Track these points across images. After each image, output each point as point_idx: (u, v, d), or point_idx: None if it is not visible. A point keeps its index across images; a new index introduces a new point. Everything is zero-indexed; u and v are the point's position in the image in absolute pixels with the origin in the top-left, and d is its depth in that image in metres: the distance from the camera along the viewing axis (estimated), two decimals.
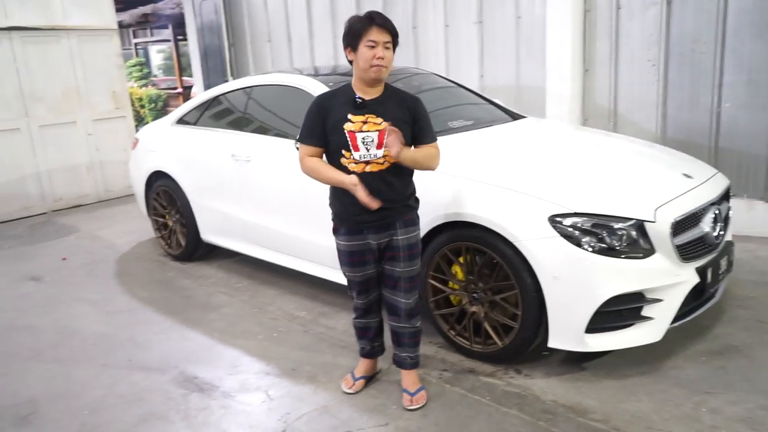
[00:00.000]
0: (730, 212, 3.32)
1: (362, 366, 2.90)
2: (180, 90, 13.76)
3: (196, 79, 9.06)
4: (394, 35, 2.45)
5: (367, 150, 2.43)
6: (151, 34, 17.62)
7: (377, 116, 2.45)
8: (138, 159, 5.13)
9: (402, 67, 4.69)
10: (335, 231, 2.66)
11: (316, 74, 4.13)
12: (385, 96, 2.52)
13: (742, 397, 2.61)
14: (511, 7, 5.53)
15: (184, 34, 12.61)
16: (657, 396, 2.66)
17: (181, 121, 4.86)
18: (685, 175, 3.15)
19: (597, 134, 4.00)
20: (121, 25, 12.00)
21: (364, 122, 2.43)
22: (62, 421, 2.76)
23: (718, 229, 3.04)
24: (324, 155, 2.57)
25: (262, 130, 4.15)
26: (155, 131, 5.10)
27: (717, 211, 3.06)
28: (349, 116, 2.45)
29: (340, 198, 2.56)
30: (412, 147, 2.55)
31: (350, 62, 2.51)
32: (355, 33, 2.43)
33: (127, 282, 4.49)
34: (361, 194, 2.39)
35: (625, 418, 2.52)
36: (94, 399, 2.92)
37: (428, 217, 2.97)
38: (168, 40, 15.47)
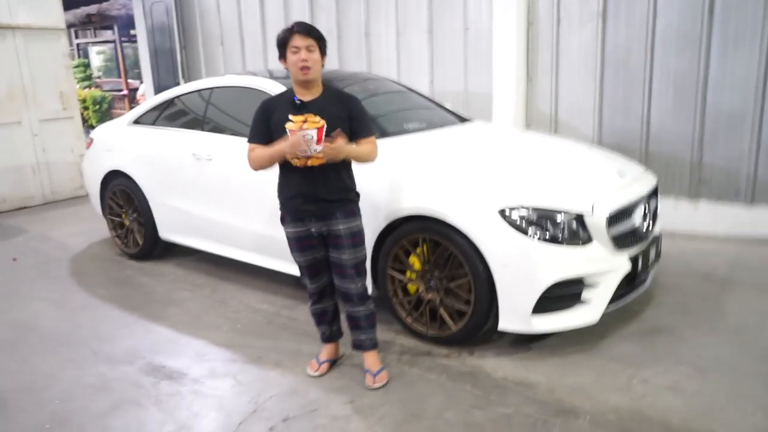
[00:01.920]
0: (658, 208, 3.68)
1: (326, 350, 3.08)
2: (125, 92, 13.52)
3: (146, 80, 8.99)
4: (317, 38, 2.71)
5: (308, 146, 2.61)
6: (95, 35, 17.21)
7: (316, 115, 2.63)
8: (93, 159, 5.12)
9: (356, 72, 4.90)
10: (282, 220, 2.89)
11: (272, 76, 4.27)
12: (323, 97, 2.77)
13: (668, 368, 2.93)
14: (459, 18, 5.83)
15: (129, 35, 12.41)
16: (595, 370, 2.95)
17: (138, 121, 4.90)
18: (619, 172, 3.49)
19: (540, 136, 4.32)
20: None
21: (304, 121, 2.61)
22: (32, 411, 2.80)
23: (647, 222, 3.38)
24: None
25: (223, 129, 4.26)
26: (111, 131, 5.11)
27: (646, 206, 3.41)
28: (290, 116, 2.64)
29: (286, 188, 2.81)
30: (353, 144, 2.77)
31: (287, 70, 2.77)
32: (281, 43, 2.74)
33: (84, 281, 4.50)
34: (292, 140, 2.56)
35: (568, 389, 2.79)
36: (61, 390, 2.98)
37: (387, 211, 3.19)
38: (110, 41, 15.17)
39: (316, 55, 2.70)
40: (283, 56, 2.74)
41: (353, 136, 2.77)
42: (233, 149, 4.03)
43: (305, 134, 2.56)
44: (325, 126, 2.57)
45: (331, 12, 6.70)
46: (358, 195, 2.89)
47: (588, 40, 5.15)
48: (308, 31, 2.70)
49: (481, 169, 3.38)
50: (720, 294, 3.77)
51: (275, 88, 3.85)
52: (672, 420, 2.54)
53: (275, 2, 7.24)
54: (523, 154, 3.77)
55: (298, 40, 2.67)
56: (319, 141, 2.58)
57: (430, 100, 4.71)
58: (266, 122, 2.76)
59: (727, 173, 4.72)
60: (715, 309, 3.58)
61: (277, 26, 7.24)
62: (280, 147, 2.64)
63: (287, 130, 2.60)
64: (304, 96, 2.74)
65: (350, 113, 2.77)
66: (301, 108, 2.69)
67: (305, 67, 2.66)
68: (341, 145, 2.62)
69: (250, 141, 2.82)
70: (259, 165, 2.79)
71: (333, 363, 3.08)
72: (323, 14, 6.76)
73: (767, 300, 3.68)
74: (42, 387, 3.01)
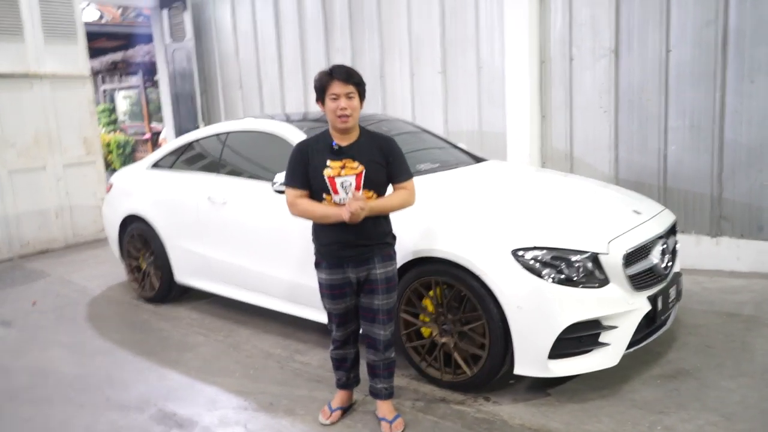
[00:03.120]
0: (677, 245, 3.59)
1: (338, 397, 3.02)
2: (148, 135, 13.84)
3: (167, 124, 9.19)
4: (356, 84, 2.65)
5: (346, 193, 2.61)
6: (120, 81, 17.74)
7: (354, 160, 2.63)
8: (112, 203, 5.20)
9: (370, 114, 4.94)
10: (317, 265, 2.80)
11: (289, 120, 4.33)
12: (360, 140, 2.71)
13: (693, 415, 2.81)
14: (472, 58, 5.88)
15: (153, 80, 12.77)
16: (616, 417, 2.84)
17: (157, 165, 4.98)
18: (635, 211, 3.43)
19: (555, 175, 4.28)
20: (91, 72, 12.10)
21: (342, 167, 2.62)
22: None
23: (666, 260, 3.30)
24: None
25: (238, 173, 4.31)
26: (130, 175, 5.21)
27: (665, 244, 3.33)
28: (328, 162, 2.63)
29: (323, 234, 2.73)
30: (389, 187, 2.76)
31: (323, 113, 2.72)
32: (319, 88, 2.67)
33: (101, 325, 4.52)
34: (349, 209, 2.54)
35: None
36: None
37: (399, 254, 3.15)
38: (135, 87, 15.61)
39: (356, 101, 2.63)
40: (321, 100, 2.67)
41: (390, 180, 2.74)
42: (248, 193, 4.06)
43: (343, 181, 2.57)
44: (364, 172, 2.58)
45: (346, 53, 6.82)
46: (394, 238, 2.84)
47: (601, 77, 5.15)
48: (347, 76, 2.62)
49: (493, 210, 3.35)
50: (746, 333, 3.65)
51: (292, 133, 3.90)
52: None
53: (292, 45, 7.40)
54: (537, 194, 3.73)
55: (337, 87, 2.60)
56: (357, 188, 2.59)
57: (444, 140, 4.72)
58: (304, 166, 2.68)
59: (748, 208, 4.62)
60: (741, 349, 3.45)
61: (294, 69, 7.40)
62: (337, 212, 2.59)
63: (325, 177, 2.60)
64: (342, 141, 2.68)
65: (387, 157, 2.72)
66: (339, 153, 2.65)
67: (344, 116, 2.60)
68: (366, 204, 2.57)
69: (288, 185, 2.73)
70: (305, 218, 2.73)
71: (345, 411, 3.01)
72: (339, 55, 6.89)
73: None
74: None
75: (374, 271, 2.73)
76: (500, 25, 5.58)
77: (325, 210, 2.65)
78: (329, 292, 2.79)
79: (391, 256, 2.80)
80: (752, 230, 4.63)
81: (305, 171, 2.68)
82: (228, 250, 4.20)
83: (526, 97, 5.40)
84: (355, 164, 2.62)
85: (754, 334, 3.63)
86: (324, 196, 2.66)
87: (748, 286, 4.40)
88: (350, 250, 2.69)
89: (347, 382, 3.01)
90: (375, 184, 2.68)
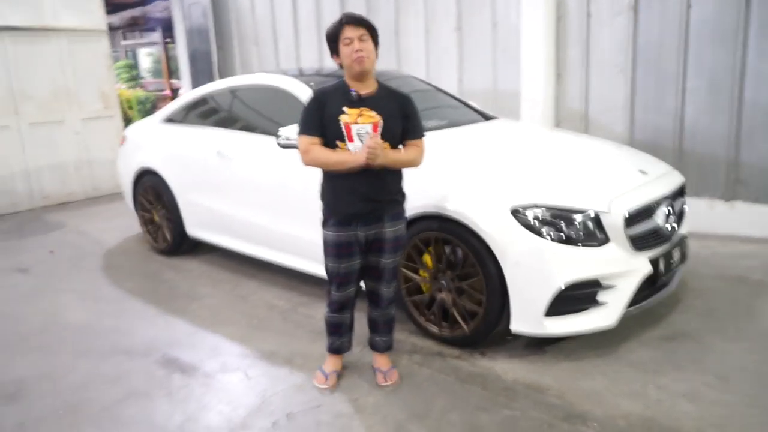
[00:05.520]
0: (685, 207, 3.53)
1: (331, 361, 2.94)
2: (168, 92, 13.88)
3: (184, 81, 9.20)
4: (368, 28, 2.60)
5: (361, 141, 2.56)
6: (141, 37, 17.74)
7: (371, 110, 2.60)
8: (126, 156, 5.27)
9: (382, 71, 4.86)
10: (325, 222, 2.74)
11: (299, 75, 4.30)
12: (378, 93, 2.67)
13: (688, 376, 2.80)
14: (488, 15, 5.74)
15: (173, 37, 12.74)
16: (610, 375, 2.85)
17: (169, 119, 5.01)
18: (641, 171, 3.36)
19: (563, 134, 4.21)
20: (111, 28, 12.11)
21: (359, 115, 2.58)
22: (47, 398, 2.90)
23: (671, 222, 3.25)
24: None
25: (247, 128, 4.31)
26: (143, 129, 5.25)
27: (670, 206, 3.27)
28: (345, 109, 2.59)
29: (333, 190, 2.68)
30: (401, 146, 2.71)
31: (341, 66, 2.67)
32: (332, 37, 2.63)
33: (113, 274, 4.63)
34: (370, 144, 2.50)
35: (579, 394, 2.71)
36: (78, 379, 3.07)
37: None
38: (157, 43, 15.60)
39: (370, 44, 2.59)
40: (335, 51, 2.63)
41: (404, 136, 2.70)
42: (254, 148, 4.08)
43: (360, 129, 2.55)
44: (381, 122, 2.56)
45: (361, 10, 6.69)
46: (404, 195, 2.80)
47: (619, 35, 4.99)
48: (359, 20, 2.59)
49: (495, 167, 3.32)
50: (752, 298, 3.60)
51: (298, 88, 3.89)
52: (684, 428, 2.43)
53: (307, 1, 7.30)
54: (542, 153, 3.68)
55: (349, 31, 2.56)
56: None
57: (456, 98, 4.66)
58: (320, 113, 2.61)
59: (765, 173, 4.50)
60: (745, 314, 3.41)
61: (309, 26, 7.32)
62: (353, 158, 2.54)
63: (341, 123, 2.57)
64: (360, 89, 2.62)
65: (404, 112, 2.67)
66: (357, 102, 2.61)
67: (360, 58, 2.55)
68: (383, 150, 2.54)
69: (302, 132, 2.64)
70: (320, 165, 2.65)
71: (339, 375, 2.96)
72: (353, 10, 6.76)
73: None
74: (60, 375, 3.11)
75: (383, 230, 2.71)
76: None
77: (340, 156, 2.58)
78: (336, 250, 2.71)
79: (401, 214, 2.77)
80: None
81: (320, 119, 2.61)
82: (235, 204, 4.24)
83: (542, 55, 5.28)
84: (373, 113, 2.58)
85: (760, 300, 3.58)
86: (338, 143, 2.60)
87: (760, 252, 4.32)
88: (361, 204, 2.64)
89: (340, 347, 2.94)
90: (391, 136, 2.63)
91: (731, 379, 2.77)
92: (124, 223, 5.94)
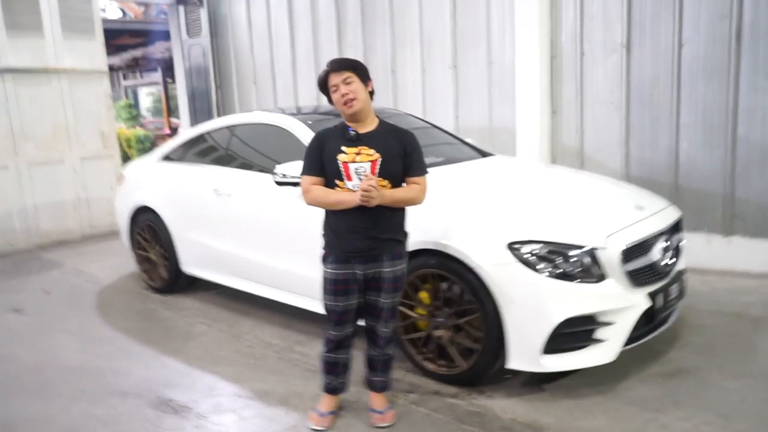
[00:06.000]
0: (682, 243, 3.53)
1: (327, 401, 2.89)
2: (168, 131, 14.02)
3: (184, 120, 9.29)
4: (353, 69, 2.65)
5: (360, 180, 2.58)
6: (141, 77, 18.00)
7: (370, 148, 2.61)
8: (124, 195, 5.28)
9: (379, 109, 4.93)
10: (324, 259, 2.74)
11: (296, 113, 4.35)
12: (378, 129, 2.70)
13: (690, 414, 2.76)
14: (483, 53, 5.84)
15: (173, 76, 12.94)
16: (610, 413, 2.80)
17: (167, 157, 5.05)
18: (638, 207, 3.37)
19: (559, 170, 4.23)
20: (112, 68, 12.32)
21: (357, 154, 2.60)
22: None
23: (668, 257, 3.24)
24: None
25: (244, 165, 4.34)
26: (141, 167, 5.28)
27: (668, 241, 3.27)
28: (343, 148, 2.62)
29: (333, 227, 2.69)
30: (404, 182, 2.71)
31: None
32: (322, 86, 2.71)
33: (109, 314, 4.59)
34: (361, 187, 2.52)
35: None
36: (71, 421, 3.01)
37: None
38: (157, 83, 15.83)
39: (355, 85, 2.62)
40: (327, 98, 2.71)
41: (405, 173, 2.69)
42: (251, 185, 4.09)
43: (357, 167, 2.56)
44: (380, 160, 2.57)
45: (358, 49, 6.82)
46: (406, 235, 2.79)
47: (612, 72, 5.07)
48: (339, 65, 2.65)
49: (492, 203, 3.33)
50: (752, 334, 3.57)
51: (295, 126, 3.93)
52: None
53: (305, 40, 7.43)
54: (539, 189, 3.70)
55: (334, 78, 2.63)
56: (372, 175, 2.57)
57: (452, 135, 4.70)
58: (320, 154, 2.66)
59: (762, 207, 4.51)
60: (745, 350, 3.38)
61: (307, 64, 7.44)
62: (350, 197, 2.56)
63: (339, 162, 2.59)
64: (359, 128, 2.66)
65: (405, 149, 2.67)
66: (355, 140, 2.64)
67: (348, 100, 2.61)
68: (380, 191, 2.54)
69: (304, 173, 2.70)
70: (319, 205, 2.70)
71: (335, 414, 2.90)
72: (350, 50, 6.89)
73: None
74: (54, 418, 3.05)
75: (382, 269, 2.69)
76: (511, 20, 5.53)
77: (338, 195, 2.61)
78: (333, 287, 2.71)
79: (401, 254, 2.75)
80: (765, 229, 4.52)
81: (320, 158, 2.66)
82: (232, 242, 4.24)
83: (537, 93, 5.35)
84: (371, 151, 2.59)
85: (760, 336, 3.55)
86: (337, 182, 2.62)
87: (759, 287, 4.30)
88: (359, 242, 2.63)
89: (335, 388, 2.88)
90: (390, 174, 2.63)
91: (732, 417, 2.72)
92: (120, 261, 5.91)
